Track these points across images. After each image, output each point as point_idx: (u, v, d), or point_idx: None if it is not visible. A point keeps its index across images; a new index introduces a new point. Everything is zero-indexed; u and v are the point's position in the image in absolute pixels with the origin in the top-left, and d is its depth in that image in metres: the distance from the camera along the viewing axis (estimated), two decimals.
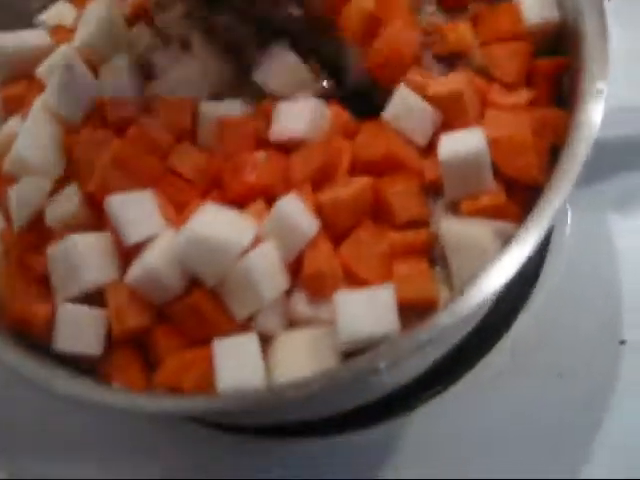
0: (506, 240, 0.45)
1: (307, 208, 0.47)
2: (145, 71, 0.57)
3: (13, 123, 0.57)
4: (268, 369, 0.45)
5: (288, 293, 0.47)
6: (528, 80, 0.53)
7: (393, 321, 0.44)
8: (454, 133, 0.49)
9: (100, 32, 0.57)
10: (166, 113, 0.53)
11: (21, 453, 0.59)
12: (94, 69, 0.57)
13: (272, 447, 0.57)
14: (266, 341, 0.46)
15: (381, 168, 0.49)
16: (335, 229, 0.48)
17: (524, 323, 0.58)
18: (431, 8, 0.56)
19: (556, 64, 0.53)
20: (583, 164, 0.45)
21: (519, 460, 0.53)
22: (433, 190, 0.50)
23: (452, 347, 0.55)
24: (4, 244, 0.54)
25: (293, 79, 0.55)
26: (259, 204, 0.48)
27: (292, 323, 0.48)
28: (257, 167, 0.49)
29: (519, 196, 0.49)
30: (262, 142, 0.52)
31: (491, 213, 0.47)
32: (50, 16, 0.67)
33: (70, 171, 0.53)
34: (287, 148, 0.51)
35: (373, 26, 0.53)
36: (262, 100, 0.54)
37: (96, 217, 0.50)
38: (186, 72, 0.55)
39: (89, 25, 0.58)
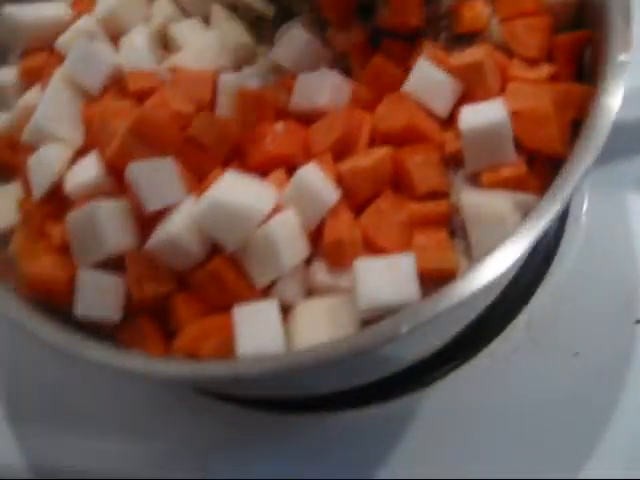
0: (526, 212, 0.45)
1: (327, 177, 0.47)
2: (165, 42, 0.57)
3: (32, 94, 0.57)
4: (287, 337, 0.45)
5: (308, 262, 0.47)
6: (549, 55, 0.53)
7: (413, 289, 0.44)
8: (475, 104, 0.49)
9: (120, 3, 0.57)
10: (186, 84, 0.53)
11: (37, 420, 0.59)
12: (114, 40, 0.57)
13: (289, 421, 0.57)
14: (286, 309, 0.46)
15: (402, 139, 0.49)
16: (355, 199, 0.48)
17: (541, 300, 0.58)
18: None
19: (578, 38, 0.52)
20: (605, 138, 0.45)
21: (535, 435, 0.53)
22: (453, 162, 0.49)
23: (469, 322, 0.55)
24: (24, 213, 0.54)
25: (309, 57, 0.55)
26: (280, 173, 0.48)
27: (311, 292, 0.48)
28: (277, 137, 0.49)
29: (540, 169, 0.48)
30: (282, 113, 0.52)
31: (512, 185, 0.47)
32: None
33: (89, 141, 0.52)
34: (307, 119, 0.51)
35: None
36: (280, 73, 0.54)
37: (115, 186, 0.49)
38: (206, 43, 0.55)
39: None
